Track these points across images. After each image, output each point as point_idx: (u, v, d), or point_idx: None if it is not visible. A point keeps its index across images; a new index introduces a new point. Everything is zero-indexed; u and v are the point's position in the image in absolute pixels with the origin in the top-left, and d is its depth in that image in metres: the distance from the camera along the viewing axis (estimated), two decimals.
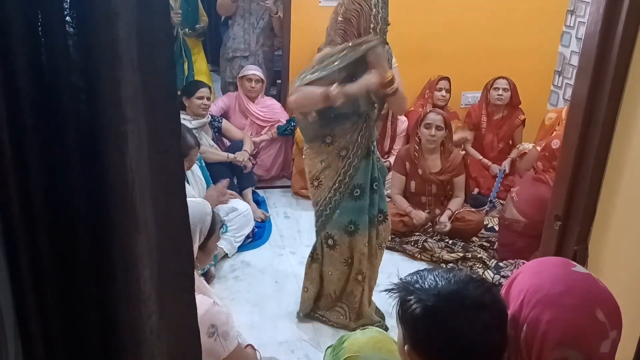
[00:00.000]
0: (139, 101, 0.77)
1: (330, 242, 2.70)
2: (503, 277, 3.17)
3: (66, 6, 0.69)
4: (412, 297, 1.09)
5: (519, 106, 4.32)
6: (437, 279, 1.11)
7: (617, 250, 1.39)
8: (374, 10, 2.38)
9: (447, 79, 4.38)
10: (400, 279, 1.17)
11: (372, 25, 2.39)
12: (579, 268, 1.07)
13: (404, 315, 1.11)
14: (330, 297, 2.84)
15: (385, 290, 1.16)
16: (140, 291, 0.81)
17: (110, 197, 0.76)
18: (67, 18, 0.70)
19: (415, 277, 1.14)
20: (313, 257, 2.80)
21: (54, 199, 0.67)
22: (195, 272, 1.89)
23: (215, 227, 1.95)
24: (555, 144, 3.14)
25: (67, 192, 0.73)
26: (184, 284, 0.88)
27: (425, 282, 1.11)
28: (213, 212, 1.96)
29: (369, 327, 1.63)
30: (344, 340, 1.59)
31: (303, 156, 2.71)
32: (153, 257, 0.83)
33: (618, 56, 1.27)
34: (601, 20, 1.28)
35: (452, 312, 1.06)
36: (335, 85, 2.34)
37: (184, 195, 0.82)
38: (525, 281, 1.07)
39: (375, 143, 2.67)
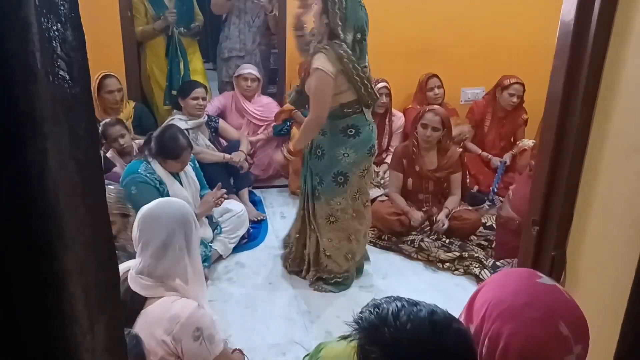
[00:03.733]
0: (56, 115, 0.74)
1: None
2: None
3: None
4: (374, 349, 0.99)
5: (522, 105, 4.26)
6: (399, 325, 0.99)
7: (594, 255, 1.35)
8: None
9: (436, 75, 4.31)
10: (358, 316, 1.05)
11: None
12: (544, 279, 1.03)
13: None
14: None
15: (343, 337, 1.07)
16: (73, 310, 0.78)
17: (34, 217, 0.73)
18: None
19: (373, 319, 1.02)
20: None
21: None
22: (194, 270, 1.89)
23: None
24: None
25: None
26: (112, 299, 0.86)
27: (386, 330, 0.99)
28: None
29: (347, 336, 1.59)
30: (320, 348, 1.56)
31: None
32: (83, 275, 0.81)
33: (591, 55, 1.23)
34: (574, 18, 1.23)
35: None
36: None
37: (106, 209, 0.80)
38: (488, 293, 1.03)
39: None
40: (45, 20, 0.67)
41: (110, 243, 0.77)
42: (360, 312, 1.06)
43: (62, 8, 0.70)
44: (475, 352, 1.00)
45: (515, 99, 4.14)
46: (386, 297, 1.06)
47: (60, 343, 0.76)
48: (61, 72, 0.65)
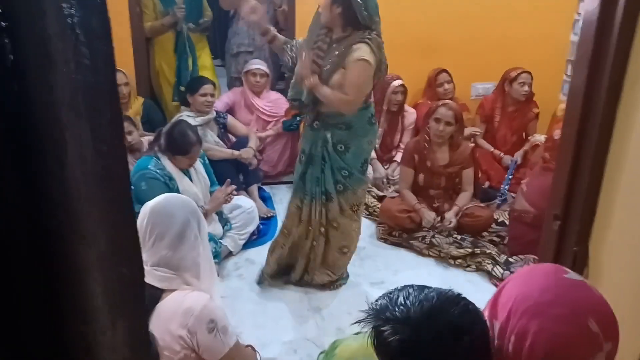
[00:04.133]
0: (77, 105, 0.71)
1: None
2: (513, 272, 3.09)
3: None
4: (386, 328, 1.03)
5: (533, 99, 4.22)
6: (409, 304, 1.03)
7: (617, 251, 1.32)
8: None
9: (445, 70, 4.28)
10: (371, 304, 1.10)
11: None
12: (571, 275, 1.00)
13: (382, 348, 1.05)
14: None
15: (357, 322, 1.10)
16: (91, 307, 0.76)
17: (52, 210, 0.70)
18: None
19: (385, 302, 1.07)
20: None
21: None
22: (207, 265, 1.88)
23: None
24: (557, 134, 3.05)
25: (2, 208, 0.68)
26: (136, 295, 0.83)
27: (397, 309, 1.03)
28: None
29: (362, 332, 1.57)
30: (336, 346, 1.55)
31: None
32: (103, 271, 0.78)
33: (617, 46, 1.19)
34: (598, 8, 1.20)
35: (429, 345, 0.99)
36: None
37: (131, 202, 0.78)
38: (513, 289, 1.00)
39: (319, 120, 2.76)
40: (67, 5, 0.64)
41: (135, 238, 0.75)
42: (375, 301, 1.10)
43: None
44: (485, 328, 1.02)
45: (526, 88, 4.11)
46: (398, 286, 1.12)
47: (77, 341, 0.74)
48: (85, 61, 0.63)
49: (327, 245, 2.98)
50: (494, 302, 1.04)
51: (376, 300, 1.11)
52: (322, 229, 2.92)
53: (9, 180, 0.66)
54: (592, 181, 1.31)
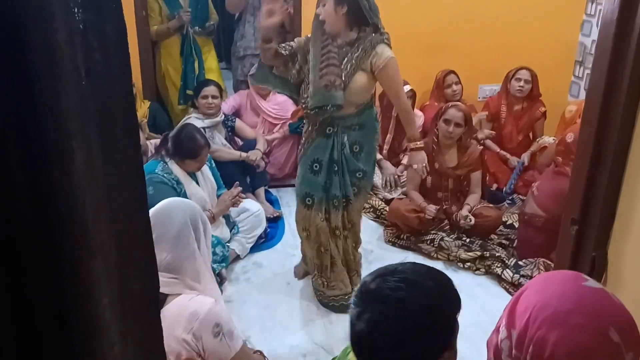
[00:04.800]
0: (87, 112, 0.68)
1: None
2: (523, 276, 3.07)
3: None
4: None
5: (540, 98, 4.18)
6: (370, 275, 1.15)
7: (638, 256, 1.29)
8: None
9: (453, 72, 4.25)
10: None
11: None
12: (591, 283, 0.97)
13: None
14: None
15: None
16: (99, 320, 0.74)
17: (58, 221, 0.68)
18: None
19: None
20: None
21: None
22: (207, 270, 1.86)
23: None
24: (570, 137, 3.02)
25: (7, 220, 0.65)
26: (149, 307, 0.81)
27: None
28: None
29: None
30: (348, 352, 1.52)
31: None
32: (113, 283, 0.76)
33: (637, 45, 1.16)
34: (618, 7, 1.17)
35: (365, 309, 1.09)
36: None
37: (147, 212, 0.75)
38: (531, 297, 0.97)
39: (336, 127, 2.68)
40: (79, 10, 0.62)
41: (150, 249, 0.72)
42: None
43: None
44: (437, 310, 1.11)
45: (522, 83, 4.07)
46: None
47: (85, 355, 0.71)
48: (98, 68, 0.61)
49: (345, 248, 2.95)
50: (512, 310, 1.01)
51: None
52: (346, 232, 2.88)
53: (16, 188, 0.63)
54: (611, 183, 1.28)
